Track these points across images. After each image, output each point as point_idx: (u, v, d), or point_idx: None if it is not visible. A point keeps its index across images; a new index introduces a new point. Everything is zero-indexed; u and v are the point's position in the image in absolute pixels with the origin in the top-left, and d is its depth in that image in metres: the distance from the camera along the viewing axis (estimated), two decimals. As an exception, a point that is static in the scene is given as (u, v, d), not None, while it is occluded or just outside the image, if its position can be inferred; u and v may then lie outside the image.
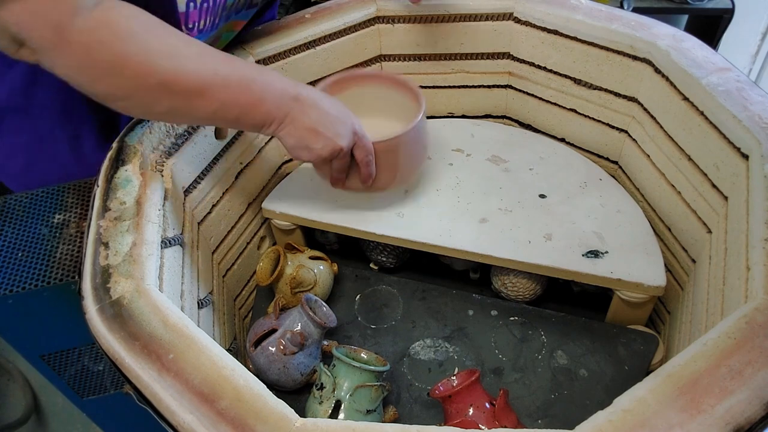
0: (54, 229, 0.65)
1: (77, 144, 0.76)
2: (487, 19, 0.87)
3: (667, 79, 0.74)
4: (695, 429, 0.41)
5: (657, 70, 0.75)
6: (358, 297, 0.83)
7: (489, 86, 0.94)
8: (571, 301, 0.83)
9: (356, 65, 0.91)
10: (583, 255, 0.75)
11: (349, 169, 0.72)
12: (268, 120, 0.62)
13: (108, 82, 0.52)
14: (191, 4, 0.65)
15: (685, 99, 0.71)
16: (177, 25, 0.64)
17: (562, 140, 0.92)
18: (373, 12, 0.88)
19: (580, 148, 0.91)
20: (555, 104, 0.89)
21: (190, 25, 0.67)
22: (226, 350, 0.49)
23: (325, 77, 0.83)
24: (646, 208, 0.83)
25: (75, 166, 0.77)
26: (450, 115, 0.99)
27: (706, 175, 0.70)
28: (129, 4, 0.53)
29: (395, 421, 0.69)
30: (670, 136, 0.75)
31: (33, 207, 0.67)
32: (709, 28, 1.72)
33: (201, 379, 0.46)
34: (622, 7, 1.61)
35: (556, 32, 0.82)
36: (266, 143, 0.88)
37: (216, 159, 0.77)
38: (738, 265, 0.56)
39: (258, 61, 0.82)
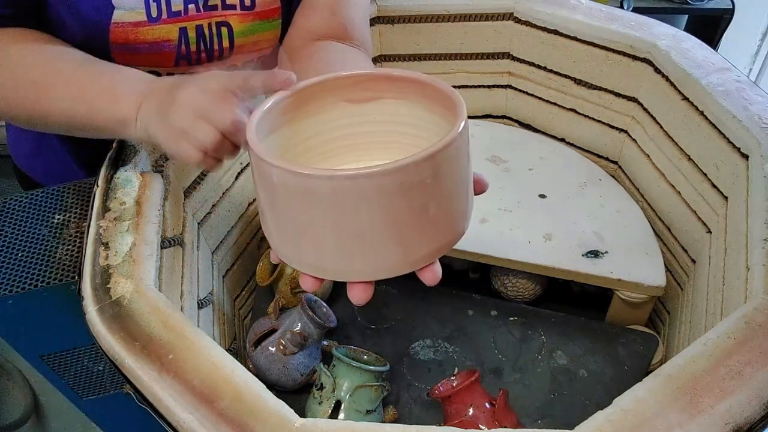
0: (54, 229, 0.65)
1: (73, 146, 0.77)
2: (487, 19, 0.87)
3: (667, 79, 0.74)
4: (695, 429, 0.41)
5: (657, 70, 0.75)
6: (358, 297, 0.83)
7: (489, 86, 0.94)
8: (570, 301, 0.83)
9: (356, 65, 0.91)
10: (583, 255, 0.75)
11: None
12: (123, 112, 0.53)
13: None
14: None
15: (685, 99, 0.71)
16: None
17: (562, 140, 0.92)
18: (373, 12, 0.88)
19: (580, 148, 0.91)
20: (555, 104, 0.89)
21: None
22: (226, 350, 0.49)
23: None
24: (646, 208, 0.83)
25: (73, 163, 0.78)
26: (450, 115, 0.99)
27: (706, 175, 0.70)
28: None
29: (395, 421, 0.68)
30: (670, 136, 0.75)
31: (33, 207, 0.67)
32: (709, 28, 1.72)
33: (201, 379, 0.46)
34: (622, 7, 1.61)
35: (556, 32, 0.82)
36: (266, 143, 0.88)
37: (216, 159, 0.77)
38: (738, 265, 0.56)
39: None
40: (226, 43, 0.67)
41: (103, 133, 0.57)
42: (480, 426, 0.62)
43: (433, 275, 0.43)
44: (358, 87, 0.49)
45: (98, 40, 0.61)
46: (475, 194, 0.47)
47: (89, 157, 0.77)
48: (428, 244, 0.42)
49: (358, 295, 0.43)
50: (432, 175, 0.39)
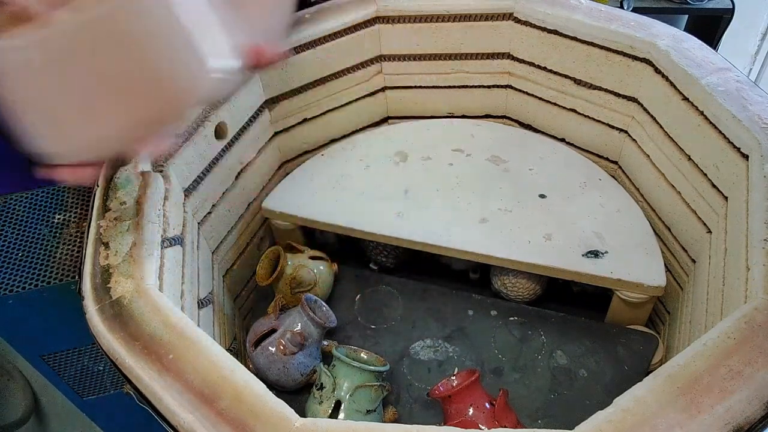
0: (54, 229, 0.65)
1: None
2: (487, 19, 0.87)
3: (667, 79, 0.74)
4: (695, 429, 0.41)
5: (657, 70, 0.75)
6: (358, 297, 0.83)
7: (489, 86, 0.94)
8: (570, 301, 0.83)
9: (356, 65, 0.91)
10: (583, 255, 0.75)
11: None
12: None
13: None
14: None
15: (685, 99, 0.71)
16: None
17: (562, 140, 0.92)
18: (373, 12, 0.88)
19: (580, 148, 0.91)
20: (555, 104, 0.89)
21: None
22: (226, 350, 0.49)
23: (326, 77, 0.82)
24: (646, 208, 0.83)
25: None
26: (450, 115, 0.99)
27: (706, 175, 0.70)
28: None
29: (395, 421, 0.69)
30: (670, 136, 0.75)
31: (33, 207, 0.67)
32: (709, 28, 1.72)
33: (201, 379, 0.46)
34: (622, 7, 1.61)
35: (556, 32, 0.82)
36: (266, 143, 0.88)
37: (216, 159, 0.77)
38: (738, 265, 0.56)
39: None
40: None
41: None
42: (480, 426, 0.62)
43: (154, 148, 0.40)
44: None
45: None
46: (260, 66, 0.45)
47: None
48: (138, 110, 0.39)
49: (69, 176, 0.41)
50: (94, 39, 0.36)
